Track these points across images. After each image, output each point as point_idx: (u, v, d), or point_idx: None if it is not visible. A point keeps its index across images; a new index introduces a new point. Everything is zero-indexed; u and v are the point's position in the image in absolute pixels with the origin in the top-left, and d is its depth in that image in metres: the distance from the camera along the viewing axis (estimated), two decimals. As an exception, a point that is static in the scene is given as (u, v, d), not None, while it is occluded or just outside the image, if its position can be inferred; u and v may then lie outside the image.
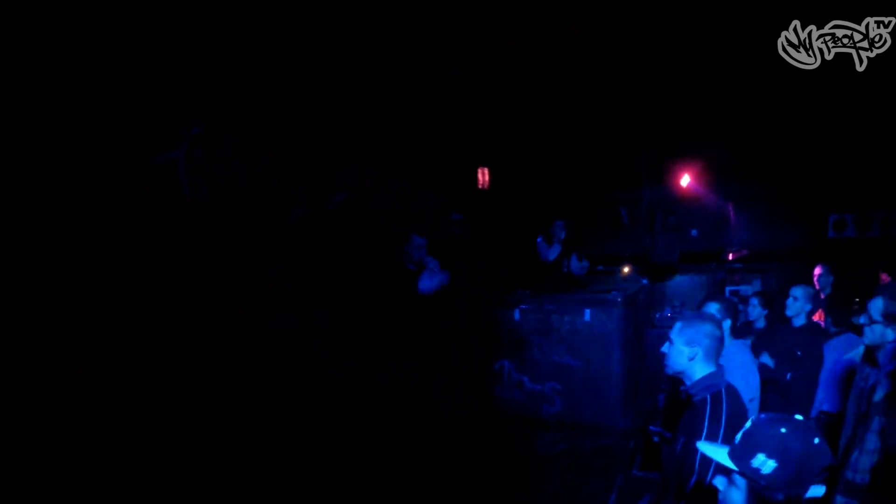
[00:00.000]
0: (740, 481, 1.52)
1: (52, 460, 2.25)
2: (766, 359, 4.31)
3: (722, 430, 2.20)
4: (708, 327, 2.43)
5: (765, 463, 1.43)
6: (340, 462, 3.97)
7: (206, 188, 3.56)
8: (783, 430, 1.47)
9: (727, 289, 8.89)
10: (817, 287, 5.45)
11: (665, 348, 2.55)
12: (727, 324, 3.30)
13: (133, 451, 2.74)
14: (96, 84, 2.87)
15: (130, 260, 3.06)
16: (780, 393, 4.15)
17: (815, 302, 4.34)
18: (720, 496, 1.62)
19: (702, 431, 2.23)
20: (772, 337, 4.67)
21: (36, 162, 2.59)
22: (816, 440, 1.45)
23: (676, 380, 2.63)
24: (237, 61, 3.73)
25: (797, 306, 4.25)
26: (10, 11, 2.43)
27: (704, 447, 1.69)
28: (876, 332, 2.77)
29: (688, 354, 2.40)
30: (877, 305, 2.77)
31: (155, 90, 3.20)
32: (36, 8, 2.57)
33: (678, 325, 2.49)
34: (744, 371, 3.03)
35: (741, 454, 1.49)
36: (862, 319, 2.87)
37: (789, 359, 4.17)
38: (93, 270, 2.81)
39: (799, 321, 4.27)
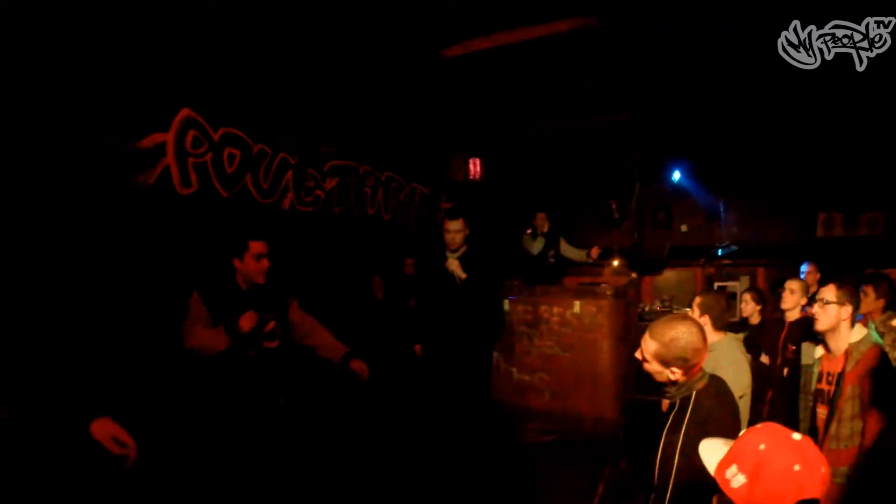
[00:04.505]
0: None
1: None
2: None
3: (682, 431, 2.16)
4: (690, 345, 2.20)
5: (735, 476, 1.33)
6: (334, 452, 3.96)
7: (194, 173, 3.51)
8: (762, 446, 1.33)
9: (715, 285, 8.93)
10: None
11: (638, 355, 2.39)
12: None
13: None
14: (84, 62, 2.81)
15: (116, 245, 3.01)
16: (774, 388, 4.14)
17: (810, 297, 4.29)
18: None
19: (681, 428, 2.17)
20: (765, 332, 4.65)
21: (17, 144, 2.54)
22: (797, 467, 1.29)
23: None
24: (230, 48, 3.68)
25: (794, 299, 4.23)
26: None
27: (703, 446, 1.58)
28: (830, 315, 2.95)
29: (669, 377, 2.26)
30: (830, 289, 2.98)
31: (145, 73, 3.15)
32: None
33: (652, 346, 2.29)
34: (735, 367, 3.03)
35: (724, 461, 1.39)
36: (815, 308, 3.04)
37: (784, 354, 4.13)
38: (77, 256, 2.77)
39: (794, 315, 4.23)
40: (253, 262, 3.03)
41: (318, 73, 4.51)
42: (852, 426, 2.84)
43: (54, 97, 2.71)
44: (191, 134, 3.49)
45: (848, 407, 2.85)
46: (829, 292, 2.98)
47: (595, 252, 6.85)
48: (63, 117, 2.74)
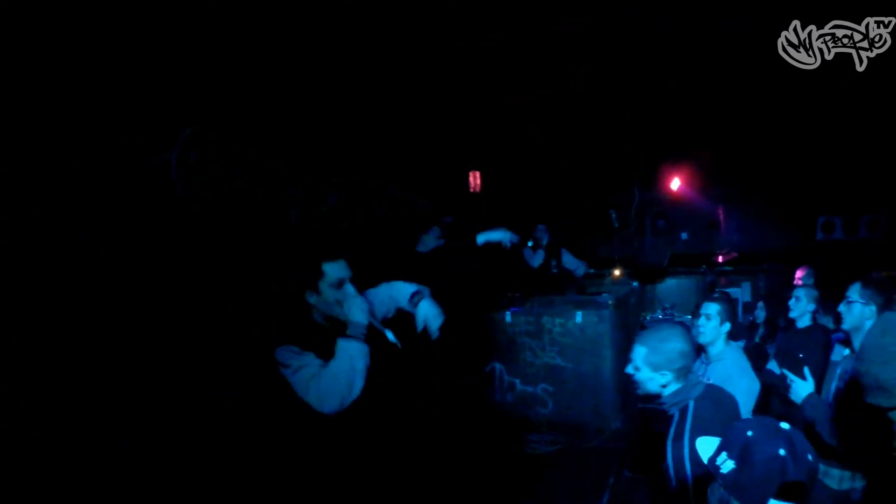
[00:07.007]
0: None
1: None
2: (773, 365, 4.32)
3: (686, 440, 2.14)
4: (678, 347, 2.26)
5: (725, 462, 1.44)
6: (334, 465, 3.96)
7: (199, 190, 3.56)
8: (749, 433, 1.45)
9: (717, 291, 8.93)
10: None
11: (629, 370, 2.36)
12: (726, 327, 3.25)
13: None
14: (90, 82, 2.87)
15: (123, 260, 3.05)
16: (780, 396, 4.16)
17: (817, 303, 4.31)
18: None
19: (668, 440, 2.22)
20: (773, 339, 4.67)
21: (28, 162, 2.59)
22: (782, 452, 1.39)
23: None
24: (232, 63, 3.73)
25: (801, 307, 4.24)
26: (7, 11, 2.44)
27: (700, 442, 1.70)
28: (854, 313, 2.86)
29: (660, 382, 2.28)
30: (855, 287, 2.90)
31: (149, 90, 3.20)
32: (33, 8, 2.57)
33: (642, 351, 2.30)
34: (745, 377, 3.02)
35: (716, 450, 1.50)
36: (840, 307, 2.96)
37: (791, 361, 4.07)
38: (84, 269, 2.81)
39: (803, 322, 4.24)
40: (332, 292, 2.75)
41: (323, 90, 4.56)
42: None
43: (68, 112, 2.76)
44: (196, 153, 3.54)
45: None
46: (854, 291, 2.89)
47: None
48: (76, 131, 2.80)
